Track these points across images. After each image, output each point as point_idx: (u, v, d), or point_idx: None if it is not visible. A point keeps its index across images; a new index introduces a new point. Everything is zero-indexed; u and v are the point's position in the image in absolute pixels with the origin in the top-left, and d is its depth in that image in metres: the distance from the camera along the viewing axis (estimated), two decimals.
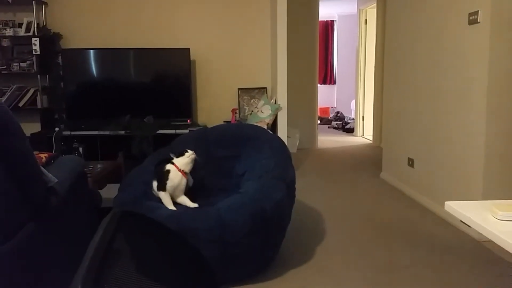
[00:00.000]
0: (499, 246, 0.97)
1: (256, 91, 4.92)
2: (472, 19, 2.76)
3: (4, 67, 4.55)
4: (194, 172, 2.50)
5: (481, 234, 1.04)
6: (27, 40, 4.51)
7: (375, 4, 6.38)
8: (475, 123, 2.78)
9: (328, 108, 9.41)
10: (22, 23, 4.58)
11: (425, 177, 3.49)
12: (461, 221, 1.11)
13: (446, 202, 1.17)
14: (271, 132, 2.96)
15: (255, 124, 3.64)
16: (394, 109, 4.12)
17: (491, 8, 2.59)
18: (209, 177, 2.70)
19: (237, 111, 4.85)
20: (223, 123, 4.42)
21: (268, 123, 4.32)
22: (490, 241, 2.65)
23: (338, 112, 8.93)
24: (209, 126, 3.48)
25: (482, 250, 2.59)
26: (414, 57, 3.64)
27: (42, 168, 1.82)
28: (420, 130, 3.56)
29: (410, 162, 3.75)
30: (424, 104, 3.48)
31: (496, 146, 2.69)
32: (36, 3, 4.54)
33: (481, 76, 2.70)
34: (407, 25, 3.78)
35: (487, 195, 2.74)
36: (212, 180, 2.70)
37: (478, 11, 2.69)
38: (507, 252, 2.45)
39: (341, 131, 8.06)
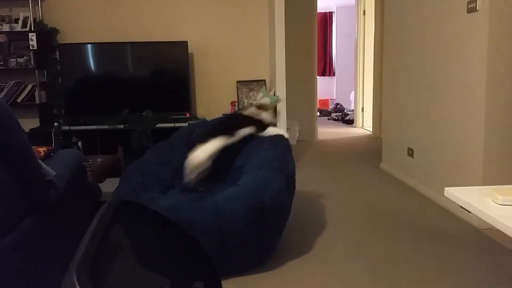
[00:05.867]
0: (499, 233, 0.97)
1: (255, 83, 4.90)
2: (471, 7, 2.74)
3: (1, 63, 4.52)
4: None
5: (481, 221, 1.04)
6: (23, 36, 4.49)
7: None
8: (474, 111, 2.77)
9: (328, 99, 9.39)
10: (19, 19, 4.55)
11: (424, 166, 3.48)
12: (461, 207, 1.11)
13: (445, 188, 1.17)
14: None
15: None
16: (393, 100, 4.10)
17: None
18: (210, 169, 2.69)
19: (236, 103, 4.84)
20: (222, 115, 4.41)
21: None
22: (491, 229, 2.65)
23: (337, 104, 8.92)
24: (208, 119, 3.47)
25: (482, 238, 2.59)
26: (413, 47, 3.63)
27: (40, 161, 1.81)
28: (419, 120, 3.55)
29: (410, 152, 3.74)
30: (423, 94, 3.46)
31: (495, 134, 2.68)
32: None
33: (480, 64, 2.68)
34: (405, 15, 3.76)
35: (486, 183, 2.74)
36: (213, 172, 2.69)
37: None
38: (508, 238, 2.45)
39: (340, 123, 8.05)
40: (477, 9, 2.67)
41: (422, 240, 2.60)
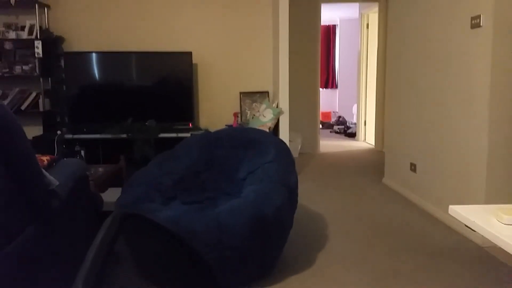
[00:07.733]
0: (502, 251, 0.96)
1: (258, 95, 4.92)
2: (475, 23, 2.75)
3: (7, 70, 4.55)
4: (198, 176, 2.49)
5: (484, 239, 1.03)
6: (29, 43, 4.53)
7: (377, 9, 6.39)
8: (478, 127, 2.77)
9: (330, 112, 9.40)
10: (25, 26, 4.59)
11: (427, 182, 3.47)
12: (466, 225, 1.10)
13: (450, 206, 1.16)
14: (275, 136, 2.95)
15: (257, 128, 3.63)
16: (396, 114, 4.11)
17: (493, 12, 2.58)
18: (213, 181, 2.69)
19: (239, 114, 4.85)
20: (225, 127, 4.41)
21: (269, 127, 4.31)
22: (493, 247, 2.63)
23: (340, 117, 8.92)
24: (211, 129, 3.48)
25: (485, 256, 2.57)
26: (416, 62, 3.64)
27: (43, 170, 1.81)
28: (422, 134, 3.55)
29: (413, 167, 3.73)
30: (427, 109, 3.47)
31: (498, 150, 2.68)
32: (38, 6, 4.55)
33: (484, 80, 2.69)
34: (409, 30, 3.78)
35: (489, 200, 2.72)
36: (216, 184, 2.69)
37: (480, 15, 2.69)
38: (511, 256, 2.43)
39: (343, 136, 8.04)
40: (481, 25, 2.69)
41: (425, 257, 2.58)
